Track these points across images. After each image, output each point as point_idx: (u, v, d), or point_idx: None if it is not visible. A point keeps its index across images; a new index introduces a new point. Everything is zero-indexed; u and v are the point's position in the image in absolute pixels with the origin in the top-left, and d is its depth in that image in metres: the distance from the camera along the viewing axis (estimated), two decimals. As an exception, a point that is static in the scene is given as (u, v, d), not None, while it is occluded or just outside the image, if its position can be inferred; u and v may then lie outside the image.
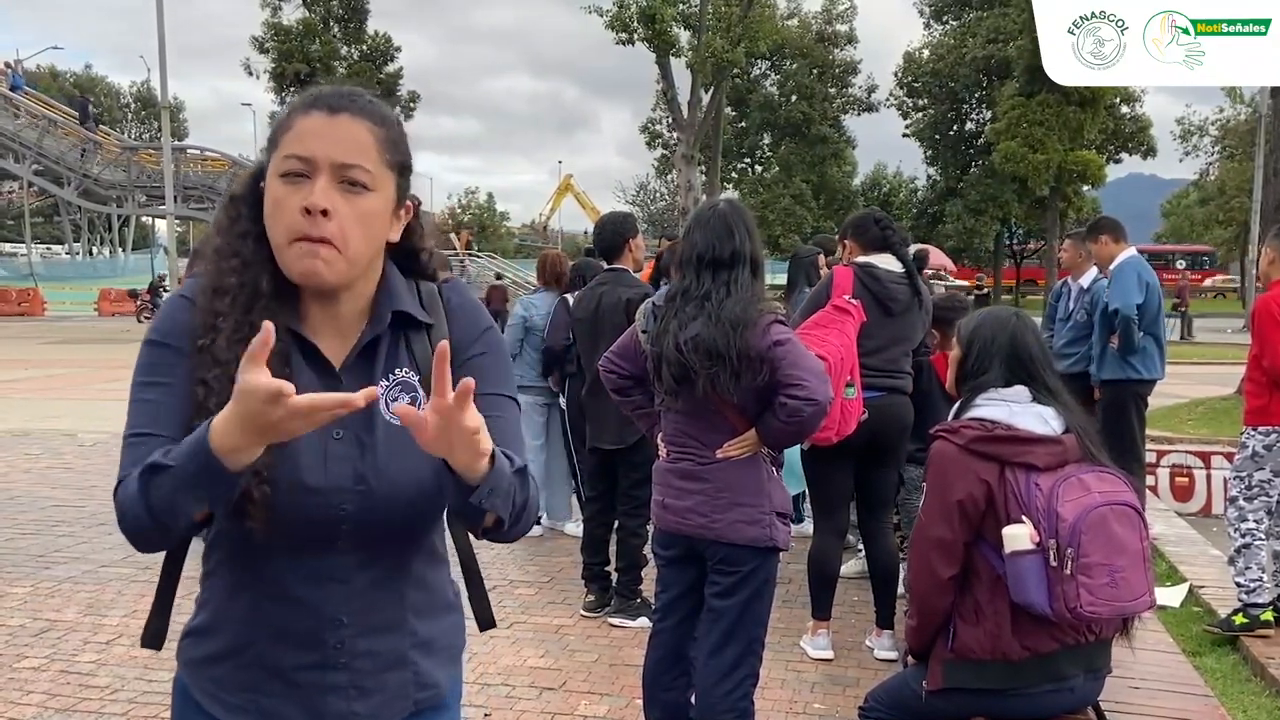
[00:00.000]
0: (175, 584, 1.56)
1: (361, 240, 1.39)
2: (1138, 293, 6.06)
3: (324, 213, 1.35)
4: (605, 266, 5.22)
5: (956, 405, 2.80)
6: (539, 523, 6.72)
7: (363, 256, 1.41)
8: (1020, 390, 2.71)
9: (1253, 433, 4.78)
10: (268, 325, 1.18)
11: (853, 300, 4.19)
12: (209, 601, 1.52)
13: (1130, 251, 6.30)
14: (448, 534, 1.61)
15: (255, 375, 1.17)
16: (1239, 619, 4.80)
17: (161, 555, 1.51)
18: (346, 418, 1.32)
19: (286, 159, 1.37)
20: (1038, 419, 2.65)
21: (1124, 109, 42.54)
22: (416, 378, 1.49)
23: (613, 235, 5.15)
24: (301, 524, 1.40)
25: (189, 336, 1.41)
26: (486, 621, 1.67)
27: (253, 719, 1.48)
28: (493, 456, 1.30)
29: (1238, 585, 4.83)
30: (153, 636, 1.55)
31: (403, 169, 1.46)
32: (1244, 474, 4.80)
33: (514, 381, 1.61)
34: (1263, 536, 4.77)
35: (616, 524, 5.21)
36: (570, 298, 5.68)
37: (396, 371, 1.48)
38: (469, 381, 1.20)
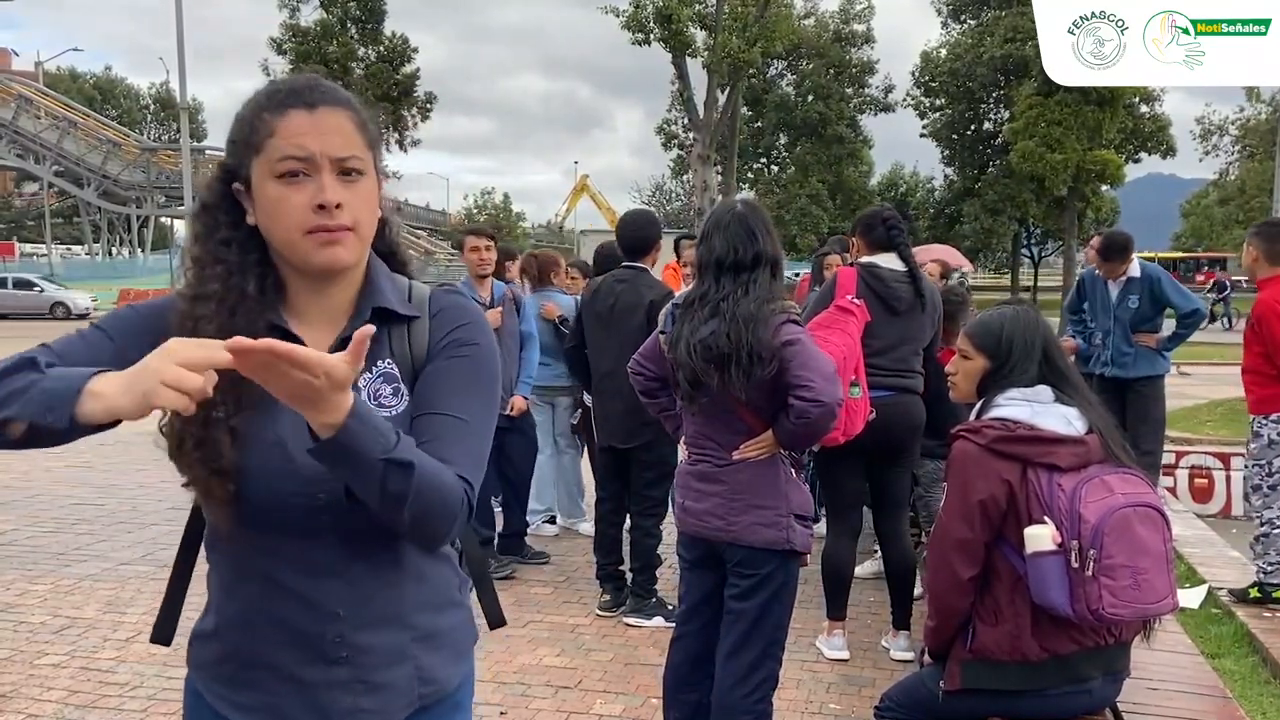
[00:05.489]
0: (185, 582, 1.58)
1: (368, 221, 1.47)
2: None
3: (338, 206, 1.41)
4: (624, 262, 5.13)
5: (978, 405, 2.78)
6: (553, 522, 6.73)
7: (369, 237, 1.48)
8: (1043, 390, 2.68)
9: (1264, 421, 4.97)
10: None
11: (856, 300, 4.18)
12: (212, 603, 1.54)
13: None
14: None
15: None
16: (1254, 591, 5.15)
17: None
18: None
19: (282, 161, 1.40)
20: (1061, 419, 2.62)
21: (1143, 108, 42.25)
22: (397, 369, 1.51)
23: (644, 235, 5.08)
24: (280, 513, 1.42)
25: (155, 318, 1.44)
26: (496, 620, 1.69)
27: (262, 718, 1.49)
28: (350, 427, 1.24)
29: (1257, 566, 5.15)
30: (160, 633, 1.59)
31: (375, 144, 1.51)
32: (1262, 461, 5.00)
33: (487, 391, 1.55)
34: None
35: (630, 524, 5.21)
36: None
37: (379, 363, 1.50)
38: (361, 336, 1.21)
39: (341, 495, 1.39)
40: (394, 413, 1.47)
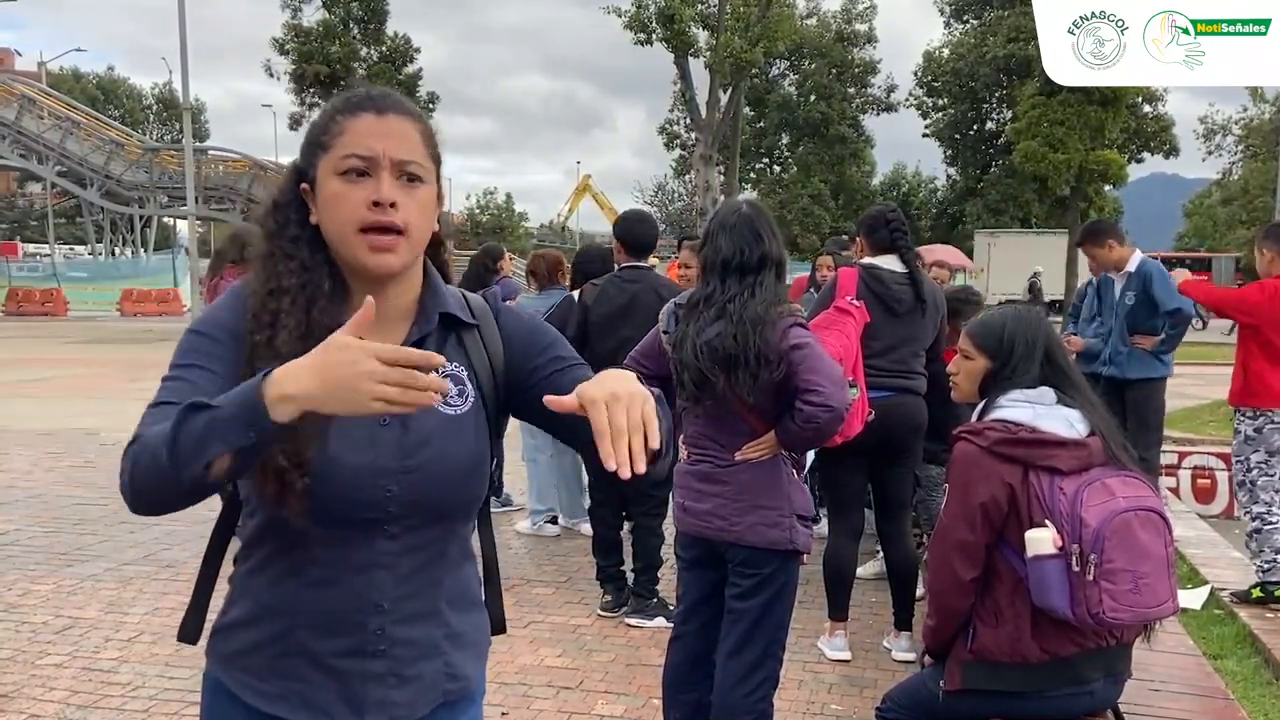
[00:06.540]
0: (214, 579, 1.59)
1: (421, 227, 1.49)
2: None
3: (392, 205, 1.44)
4: (623, 261, 5.12)
5: (980, 406, 2.78)
6: (554, 522, 6.73)
7: (422, 242, 1.51)
8: (1046, 392, 2.68)
9: (1240, 416, 5.12)
10: (370, 301, 1.25)
11: (855, 301, 4.18)
12: (246, 594, 1.54)
13: (1138, 252, 6.38)
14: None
15: (355, 334, 1.24)
16: (1256, 592, 5.15)
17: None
18: None
19: (345, 158, 1.45)
20: (1063, 422, 2.62)
21: (1146, 108, 42.14)
22: (465, 371, 1.56)
23: (653, 235, 5.19)
24: (349, 505, 1.44)
25: (231, 332, 1.47)
26: (499, 624, 1.70)
27: (292, 706, 1.50)
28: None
29: (1256, 565, 5.18)
30: (190, 631, 1.60)
31: (438, 160, 1.54)
32: (1241, 458, 5.16)
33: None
34: (1274, 520, 5.07)
35: (634, 524, 5.20)
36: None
37: (448, 365, 1.54)
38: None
39: (408, 488, 1.45)
40: (458, 411, 1.53)
